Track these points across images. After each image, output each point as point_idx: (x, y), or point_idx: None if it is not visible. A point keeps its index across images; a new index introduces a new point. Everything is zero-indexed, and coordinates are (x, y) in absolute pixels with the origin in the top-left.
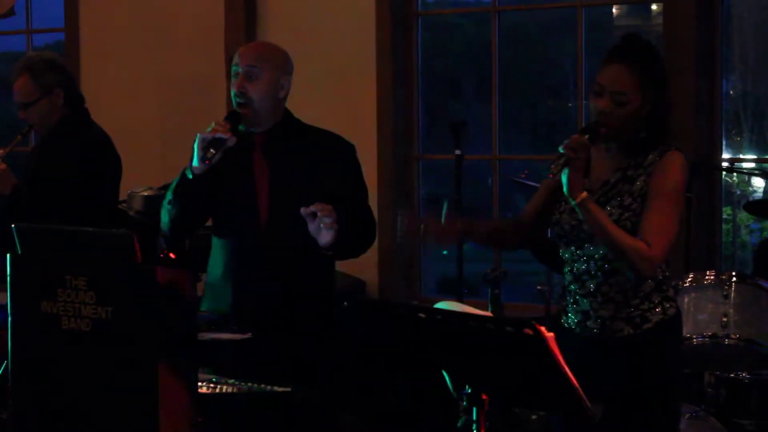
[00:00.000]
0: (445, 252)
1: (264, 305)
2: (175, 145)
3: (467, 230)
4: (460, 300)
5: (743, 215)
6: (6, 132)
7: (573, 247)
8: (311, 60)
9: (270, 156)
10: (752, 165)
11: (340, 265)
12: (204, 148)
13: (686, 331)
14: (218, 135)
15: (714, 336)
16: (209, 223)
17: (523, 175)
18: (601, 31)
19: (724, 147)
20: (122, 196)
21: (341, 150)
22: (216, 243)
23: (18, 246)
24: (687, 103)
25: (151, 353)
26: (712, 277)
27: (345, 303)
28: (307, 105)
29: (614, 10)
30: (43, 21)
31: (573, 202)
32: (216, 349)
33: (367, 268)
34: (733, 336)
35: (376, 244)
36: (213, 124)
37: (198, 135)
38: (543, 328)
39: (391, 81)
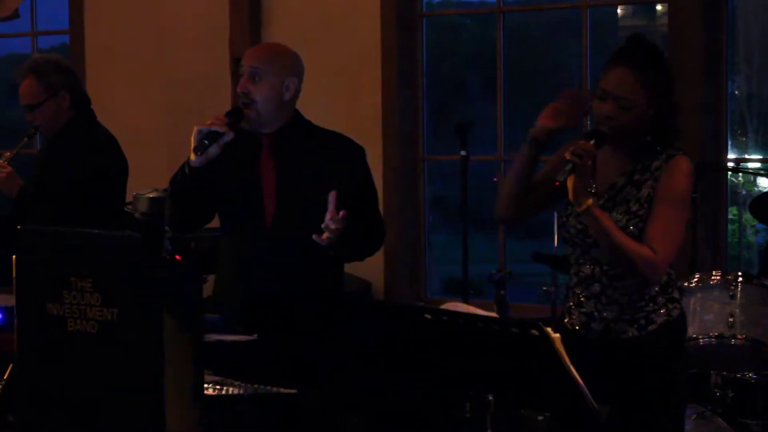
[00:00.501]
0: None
1: (270, 306)
2: (181, 146)
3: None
4: (466, 301)
5: (749, 215)
6: (12, 134)
7: (579, 251)
8: (316, 61)
9: (277, 157)
10: (758, 165)
11: (346, 267)
12: (199, 140)
13: (692, 332)
14: (214, 128)
15: (720, 336)
16: (215, 224)
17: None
18: (606, 31)
19: (729, 147)
20: (128, 197)
21: (350, 152)
22: (223, 244)
23: (23, 248)
24: (692, 104)
25: (157, 355)
26: (718, 278)
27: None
28: (312, 106)
29: (619, 11)
30: (47, 23)
31: (578, 209)
32: (222, 351)
33: (373, 269)
34: (739, 336)
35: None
36: (211, 117)
37: (195, 127)
38: (549, 329)
39: (396, 82)
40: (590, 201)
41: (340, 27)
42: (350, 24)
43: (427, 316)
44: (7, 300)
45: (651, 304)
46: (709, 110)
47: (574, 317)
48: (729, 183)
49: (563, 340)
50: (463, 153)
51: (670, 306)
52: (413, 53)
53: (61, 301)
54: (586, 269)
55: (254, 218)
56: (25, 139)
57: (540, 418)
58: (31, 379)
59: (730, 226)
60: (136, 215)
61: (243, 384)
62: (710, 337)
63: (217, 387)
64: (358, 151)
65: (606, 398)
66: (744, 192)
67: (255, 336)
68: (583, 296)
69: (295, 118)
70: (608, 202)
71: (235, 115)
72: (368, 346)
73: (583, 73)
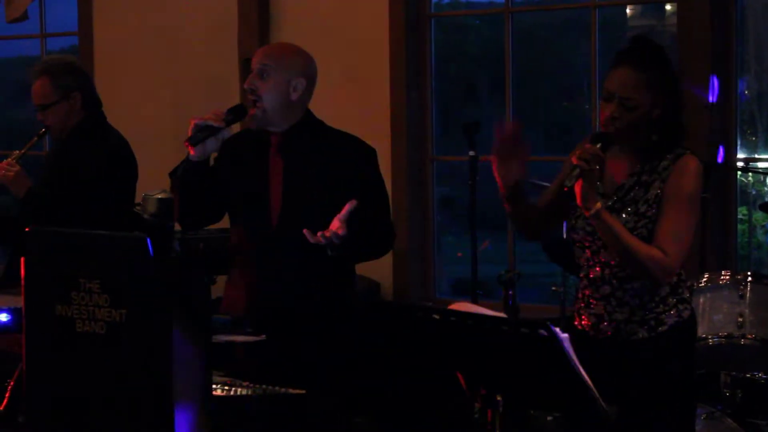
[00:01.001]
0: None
1: (277, 306)
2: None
3: (521, 179)
4: (475, 301)
5: (759, 215)
6: (22, 136)
7: (588, 253)
8: (324, 62)
9: (285, 156)
10: (767, 165)
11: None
12: (194, 132)
13: (702, 332)
14: (209, 122)
15: (730, 336)
16: (223, 225)
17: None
18: (615, 31)
19: (739, 147)
20: (136, 198)
21: (359, 154)
22: (233, 243)
23: (31, 249)
24: (702, 103)
25: (166, 356)
26: (727, 278)
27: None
28: (321, 107)
29: (628, 11)
30: (56, 25)
31: (587, 213)
32: (230, 352)
33: (382, 269)
34: (748, 336)
35: None
36: (210, 112)
37: (192, 120)
38: (558, 329)
39: (405, 82)
40: (599, 205)
41: (348, 27)
42: (359, 25)
43: (436, 316)
44: (16, 301)
45: (661, 306)
46: (719, 110)
47: (583, 318)
48: (738, 183)
49: (573, 340)
50: (471, 153)
51: (681, 307)
52: (422, 54)
53: (70, 302)
54: (596, 271)
55: (261, 218)
56: (35, 138)
57: (549, 418)
58: (40, 380)
59: (739, 226)
60: (145, 216)
61: (252, 384)
62: (720, 337)
63: (226, 387)
64: (369, 153)
65: (615, 399)
66: (754, 192)
67: (263, 337)
68: (593, 298)
69: (305, 118)
70: (616, 204)
71: (235, 112)
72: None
73: (592, 74)
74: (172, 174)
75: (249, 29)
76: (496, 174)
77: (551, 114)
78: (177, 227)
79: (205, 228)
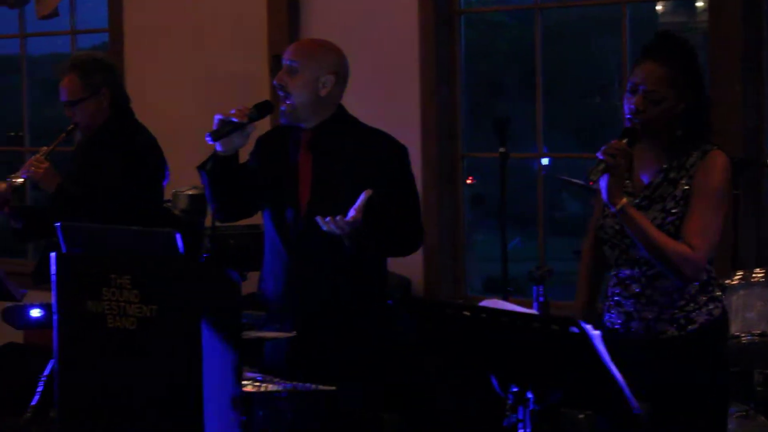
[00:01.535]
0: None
1: (307, 303)
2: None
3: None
4: (506, 298)
5: None
6: (53, 133)
7: (617, 251)
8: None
9: (314, 152)
10: None
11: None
12: (217, 127)
13: (735, 330)
14: (233, 118)
15: (763, 334)
16: (254, 221)
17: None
18: (645, 28)
19: None
20: (167, 195)
21: (389, 150)
22: (266, 239)
23: (63, 245)
24: (733, 100)
25: (196, 351)
26: (761, 275)
27: (390, 301)
28: (350, 104)
29: (659, 7)
30: (86, 22)
31: (613, 209)
32: (261, 348)
33: (413, 266)
34: None
35: None
36: (235, 108)
37: (216, 116)
38: (589, 327)
39: (435, 79)
40: (624, 200)
41: (378, 24)
42: (388, 21)
43: (466, 313)
44: (48, 297)
45: (691, 304)
46: (751, 106)
47: (613, 316)
48: None
49: (603, 338)
50: (502, 150)
51: (712, 305)
52: (452, 50)
53: (101, 298)
54: (625, 270)
55: (290, 213)
56: (63, 135)
57: (581, 416)
58: (72, 375)
59: None
60: (176, 212)
61: (282, 381)
62: (753, 335)
63: (256, 383)
64: (399, 150)
65: (647, 397)
66: None
67: (294, 333)
68: (622, 296)
69: (337, 114)
70: (644, 201)
71: (261, 108)
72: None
73: (623, 71)
74: (200, 167)
75: (278, 25)
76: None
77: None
78: (208, 223)
79: (236, 224)
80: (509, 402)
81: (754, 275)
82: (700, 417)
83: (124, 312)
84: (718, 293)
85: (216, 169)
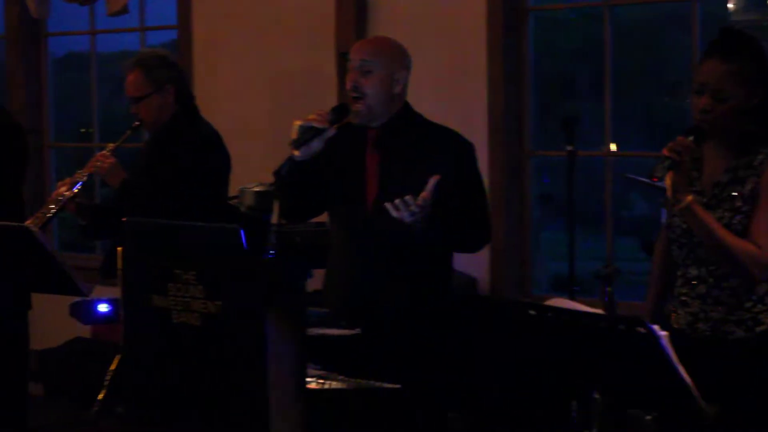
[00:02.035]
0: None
1: (373, 300)
2: (286, 140)
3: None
4: (572, 298)
5: None
6: (122, 129)
7: (685, 250)
8: (421, 56)
9: (381, 150)
10: None
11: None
12: (299, 134)
13: None
14: (313, 124)
15: None
16: (320, 218)
17: None
18: (716, 25)
19: None
20: (233, 191)
21: (456, 147)
22: (332, 236)
23: (129, 240)
24: None
25: (261, 348)
26: None
27: (456, 299)
28: (417, 101)
29: (730, 5)
30: (155, 19)
31: (678, 206)
32: (325, 345)
33: (479, 265)
34: None
35: None
36: (313, 112)
37: (295, 122)
38: (656, 327)
39: (502, 77)
40: (689, 198)
41: (446, 21)
42: (456, 18)
43: (532, 312)
44: (114, 292)
45: (759, 305)
46: None
47: (680, 317)
48: None
49: (670, 338)
50: (569, 148)
51: None
52: (520, 48)
53: (166, 294)
54: (692, 270)
55: (356, 212)
56: (128, 131)
57: (648, 417)
58: (138, 370)
59: None
60: (242, 209)
61: (346, 378)
62: None
63: (321, 381)
64: (467, 147)
65: (714, 398)
66: None
67: (358, 330)
68: (689, 297)
69: (403, 110)
70: (712, 200)
71: (339, 111)
72: (472, 342)
73: (693, 69)
74: (276, 173)
75: (346, 23)
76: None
77: (651, 110)
78: (274, 220)
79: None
80: (575, 402)
81: None
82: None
83: (189, 308)
84: None
85: (293, 175)
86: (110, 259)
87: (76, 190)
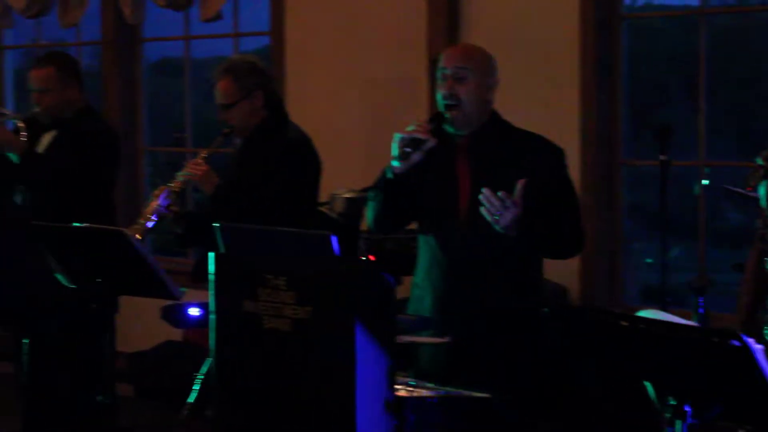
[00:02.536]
0: (649, 260)
1: (464, 308)
2: (377, 147)
3: None
4: (664, 309)
5: None
6: (214, 133)
7: None
8: (513, 64)
9: (473, 158)
10: None
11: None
12: (401, 147)
13: None
14: (416, 135)
15: None
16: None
17: None
18: None
19: None
20: (324, 197)
21: (547, 154)
22: (420, 245)
23: (221, 245)
24: None
25: (351, 354)
26: None
27: (546, 308)
28: (508, 108)
29: None
30: (249, 25)
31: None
32: (414, 352)
33: (569, 274)
34: None
35: None
36: (413, 124)
37: (396, 134)
38: (751, 340)
39: (595, 84)
40: None
41: (537, 28)
42: (548, 25)
43: (624, 323)
44: (205, 296)
45: None
46: None
47: None
48: None
49: (765, 352)
50: (662, 158)
51: None
52: (613, 55)
53: (257, 299)
54: None
55: (449, 220)
56: (220, 138)
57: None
58: (228, 374)
59: None
60: (333, 215)
61: (435, 386)
62: None
63: (409, 388)
64: (557, 153)
65: None
66: None
67: (449, 338)
68: None
69: (492, 118)
70: None
71: (436, 121)
72: (562, 351)
73: None
74: (374, 188)
75: (438, 30)
76: None
77: (746, 119)
78: (364, 227)
79: None
80: (667, 415)
81: None
82: None
83: (280, 313)
84: None
85: (391, 187)
86: (202, 264)
87: (171, 199)
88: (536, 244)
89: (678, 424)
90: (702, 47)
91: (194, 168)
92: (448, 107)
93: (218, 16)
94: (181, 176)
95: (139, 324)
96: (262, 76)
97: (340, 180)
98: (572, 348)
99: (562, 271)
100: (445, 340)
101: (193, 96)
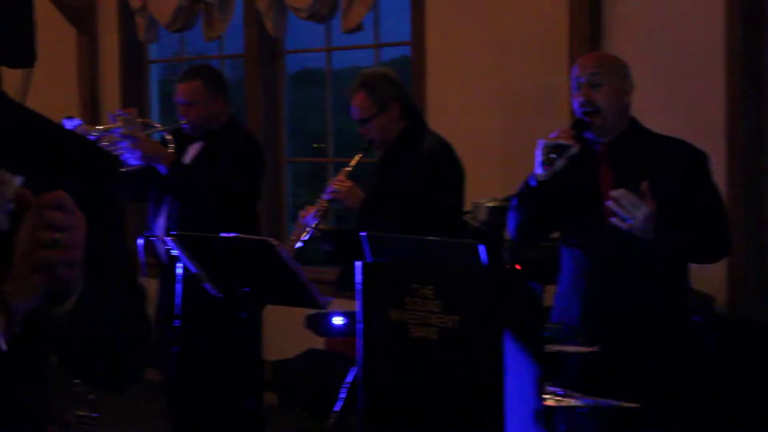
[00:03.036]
0: None
1: (612, 317)
2: (518, 156)
3: None
4: None
5: None
6: (354, 144)
7: None
8: (657, 69)
9: (615, 165)
10: None
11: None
12: (545, 154)
13: None
14: (560, 141)
15: None
16: (555, 234)
17: None
18: None
19: None
20: (465, 206)
21: (690, 158)
22: (564, 254)
23: (367, 254)
24: None
25: (498, 364)
26: None
27: (698, 318)
28: (652, 115)
29: None
30: (389, 35)
31: None
32: (562, 362)
33: (715, 282)
34: None
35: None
36: (557, 131)
37: (539, 141)
38: None
39: (742, 87)
40: None
41: (681, 31)
42: (693, 28)
43: None
44: (350, 305)
45: None
46: None
47: None
48: None
49: None
50: None
51: None
52: (759, 59)
53: (404, 308)
54: None
55: (594, 228)
56: (360, 154)
57: None
58: (374, 383)
59: None
60: (475, 224)
61: (584, 396)
62: None
63: (558, 398)
64: (700, 157)
65: None
66: None
67: (596, 348)
68: None
69: (631, 125)
70: None
71: (579, 127)
72: (711, 361)
73: None
74: (518, 195)
75: (580, 39)
76: None
77: None
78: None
79: None
80: None
81: None
82: None
83: (427, 322)
84: None
85: (534, 195)
86: (346, 273)
87: (319, 218)
88: (677, 247)
89: None
90: None
91: (338, 185)
92: (587, 114)
93: (359, 27)
94: (325, 195)
95: (283, 332)
96: (396, 87)
97: (481, 188)
98: (721, 358)
99: (708, 280)
100: (594, 349)
101: (334, 106)
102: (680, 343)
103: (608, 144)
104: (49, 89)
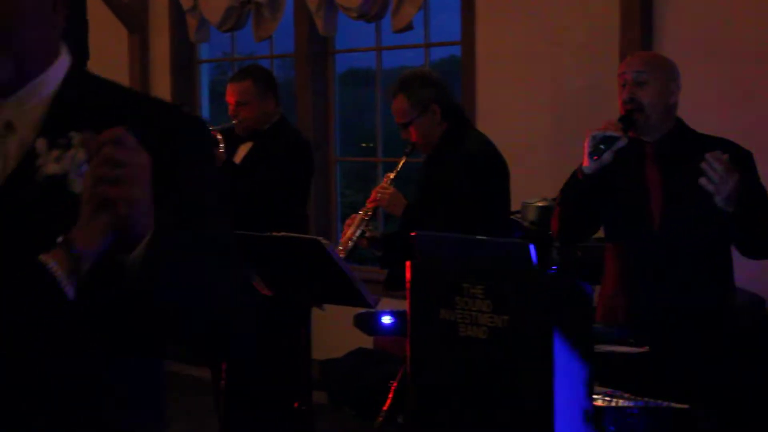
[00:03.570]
0: None
1: (660, 317)
2: (569, 156)
3: None
4: None
5: None
6: (402, 143)
7: None
8: (710, 72)
9: (662, 165)
10: None
11: (735, 280)
12: (594, 145)
13: None
14: (609, 133)
15: None
16: (600, 234)
17: None
18: None
19: None
20: (515, 206)
21: (736, 157)
22: (610, 254)
23: (418, 254)
24: None
25: (548, 363)
26: None
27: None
28: (704, 118)
29: None
30: (439, 35)
31: None
32: (612, 362)
33: (765, 283)
34: None
35: None
36: (604, 123)
37: (589, 132)
38: None
39: None
40: None
41: (736, 30)
42: (748, 27)
43: None
44: (398, 304)
45: None
46: None
47: None
48: None
49: None
50: None
51: None
52: None
53: (453, 307)
54: None
55: (641, 226)
56: (404, 158)
57: None
58: (423, 382)
59: None
60: (525, 224)
61: (633, 396)
62: None
63: (607, 398)
64: (745, 155)
65: None
66: None
67: (646, 348)
68: None
69: (677, 125)
70: None
71: (626, 121)
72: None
73: None
74: (564, 190)
75: (630, 41)
76: None
77: None
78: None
79: None
80: None
81: None
82: None
83: (476, 321)
84: None
85: (581, 189)
86: (395, 272)
87: (364, 227)
88: (756, 222)
89: None
90: None
91: (380, 193)
92: (629, 111)
93: (409, 27)
94: (369, 203)
95: (332, 331)
96: (435, 88)
97: (531, 189)
98: None
99: (757, 280)
100: (643, 349)
101: (383, 106)
102: (730, 344)
103: (655, 144)
104: None
